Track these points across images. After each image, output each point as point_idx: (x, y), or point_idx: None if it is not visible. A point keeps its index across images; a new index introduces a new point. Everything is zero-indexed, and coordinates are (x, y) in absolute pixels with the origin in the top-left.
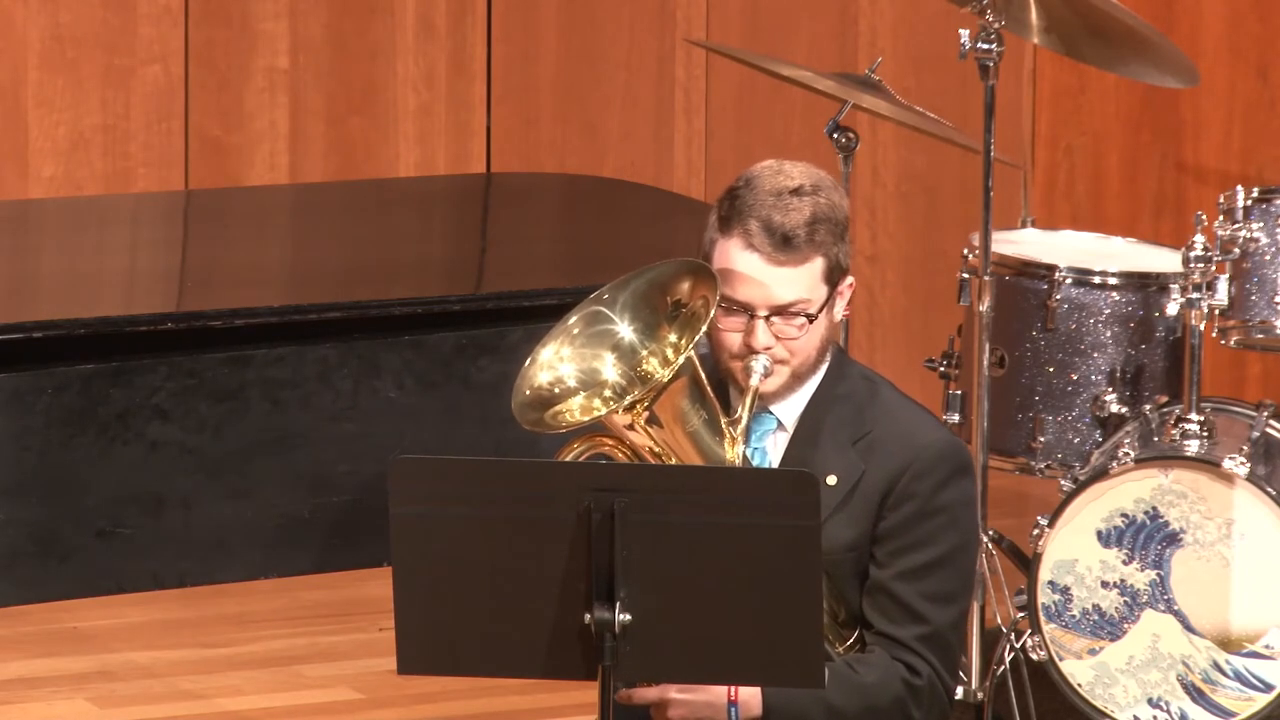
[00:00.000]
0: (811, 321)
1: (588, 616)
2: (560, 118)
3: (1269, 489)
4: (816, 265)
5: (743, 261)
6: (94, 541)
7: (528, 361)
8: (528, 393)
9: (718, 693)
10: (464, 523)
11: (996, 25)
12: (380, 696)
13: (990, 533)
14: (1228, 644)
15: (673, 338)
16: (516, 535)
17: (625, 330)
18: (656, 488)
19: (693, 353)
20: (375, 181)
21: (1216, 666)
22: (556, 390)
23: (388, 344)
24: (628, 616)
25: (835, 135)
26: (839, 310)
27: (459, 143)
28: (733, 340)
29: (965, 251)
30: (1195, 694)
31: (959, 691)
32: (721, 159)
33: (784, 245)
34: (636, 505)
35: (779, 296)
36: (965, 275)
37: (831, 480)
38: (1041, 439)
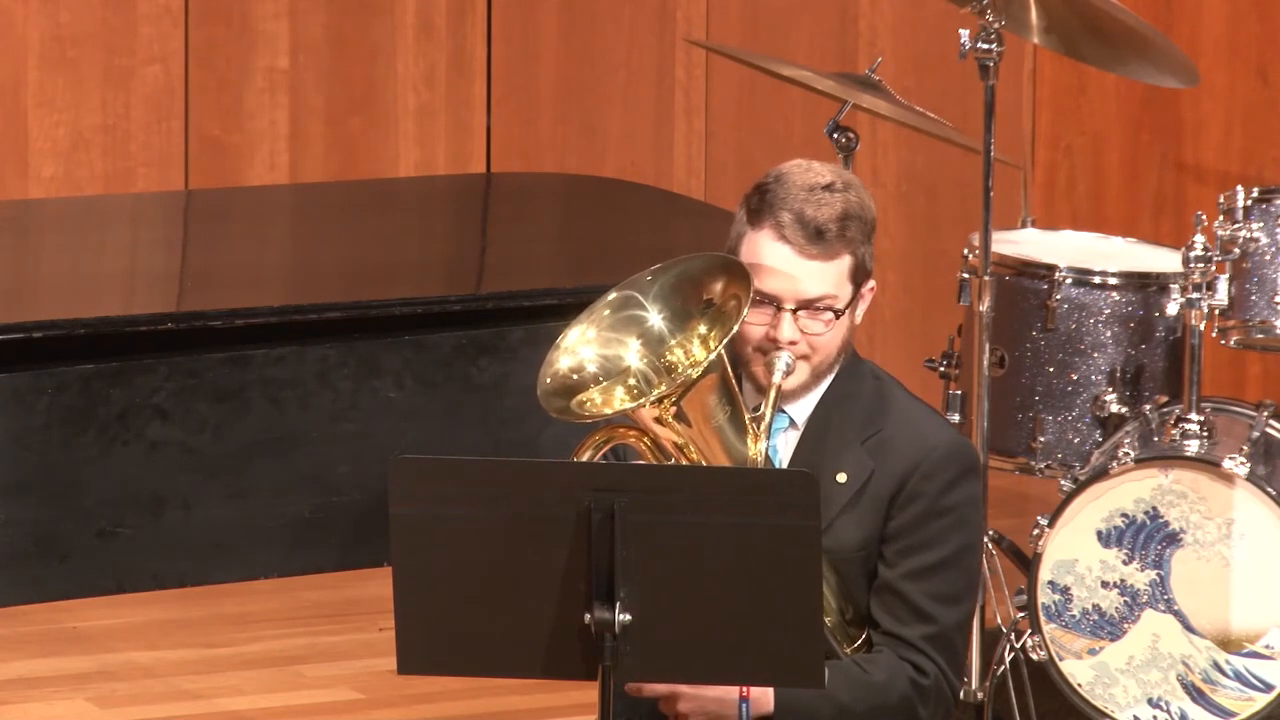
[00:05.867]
0: (837, 318)
1: (588, 616)
2: (560, 118)
3: (1269, 489)
4: (844, 262)
5: (773, 253)
6: (94, 541)
7: (553, 346)
8: (549, 380)
9: (728, 688)
10: (464, 523)
11: (996, 25)
12: (380, 696)
13: (990, 533)
14: (1228, 644)
15: (702, 329)
16: (516, 535)
17: (655, 318)
18: (656, 488)
19: (723, 350)
20: (375, 181)
21: (1216, 666)
22: (576, 376)
23: (388, 344)
24: (628, 616)
25: (835, 135)
26: (860, 313)
27: (459, 143)
28: (756, 332)
29: (965, 251)
30: (1195, 694)
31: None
32: (721, 159)
33: (816, 238)
34: (636, 505)
35: (806, 290)
36: (965, 275)
37: (841, 478)
38: (1041, 439)
